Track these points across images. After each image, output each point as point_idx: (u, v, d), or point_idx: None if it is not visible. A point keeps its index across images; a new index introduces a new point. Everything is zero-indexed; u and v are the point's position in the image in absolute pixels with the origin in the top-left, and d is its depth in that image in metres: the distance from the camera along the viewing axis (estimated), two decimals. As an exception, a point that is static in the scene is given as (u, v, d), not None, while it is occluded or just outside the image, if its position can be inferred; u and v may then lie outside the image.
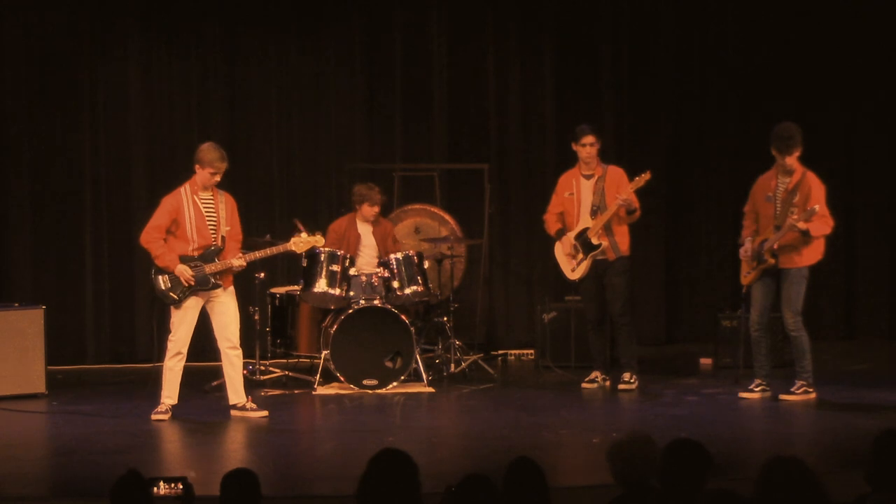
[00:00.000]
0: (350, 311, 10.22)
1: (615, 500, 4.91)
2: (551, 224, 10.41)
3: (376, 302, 10.32)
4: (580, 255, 10.23)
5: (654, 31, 12.65)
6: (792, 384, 9.66)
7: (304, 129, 12.31)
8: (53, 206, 12.00)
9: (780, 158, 9.57)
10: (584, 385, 10.36)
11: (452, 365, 10.87)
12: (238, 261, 9.24)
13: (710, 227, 12.75)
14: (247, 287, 10.79)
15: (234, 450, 8.66)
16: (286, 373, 10.82)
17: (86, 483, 7.39)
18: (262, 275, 10.72)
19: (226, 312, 9.24)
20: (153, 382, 9.49)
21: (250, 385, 10.05)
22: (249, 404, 9.32)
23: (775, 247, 9.51)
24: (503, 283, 12.62)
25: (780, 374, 9.97)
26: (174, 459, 8.48)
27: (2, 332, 10.16)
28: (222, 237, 9.26)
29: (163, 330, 9.40)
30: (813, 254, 9.59)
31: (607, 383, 10.36)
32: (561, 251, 10.39)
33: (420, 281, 10.43)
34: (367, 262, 10.71)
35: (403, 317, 10.27)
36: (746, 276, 9.75)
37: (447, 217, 11.67)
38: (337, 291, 10.27)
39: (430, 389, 10.28)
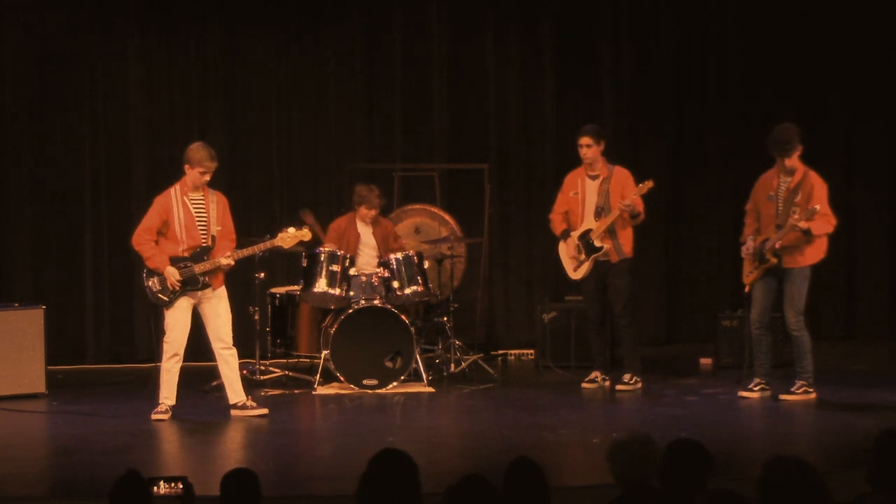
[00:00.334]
0: (350, 311, 10.22)
1: (615, 501, 4.90)
2: (557, 224, 10.40)
3: (376, 302, 10.32)
4: (582, 256, 10.22)
5: (654, 31, 12.64)
6: (792, 384, 9.66)
7: (304, 129, 12.30)
8: (53, 206, 11.99)
9: (780, 160, 9.57)
10: (584, 385, 10.37)
11: (452, 365, 10.87)
12: (226, 259, 9.18)
13: (710, 227, 12.75)
14: (247, 287, 10.81)
15: (234, 450, 8.66)
16: (286, 373, 10.82)
17: (85, 483, 7.39)
18: (262, 275, 10.70)
19: (218, 313, 9.22)
20: (153, 382, 9.49)
21: (250, 385, 10.06)
22: (249, 402, 9.32)
23: (777, 246, 9.50)
24: (503, 283, 12.62)
25: (780, 373, 9.97)
26: (174, 459, 8.46)
27: (2, 332, 10.16)
28: (213, 237, 9.23)
29: (161, 330, 9.38)
30: (816, 253, 9.58)
31: (607, 383, 10.36)
32: (565, 251, 10.38)
33: (420, 281, 10.42)
34: (366, 261, 10.70)
35: (403, 317, 10.26)
36: (749, 275, 9.74)
37: (447, 217, 11.67)
38: (337, 291, 10.27)
39: (430, 389, 10.28)
